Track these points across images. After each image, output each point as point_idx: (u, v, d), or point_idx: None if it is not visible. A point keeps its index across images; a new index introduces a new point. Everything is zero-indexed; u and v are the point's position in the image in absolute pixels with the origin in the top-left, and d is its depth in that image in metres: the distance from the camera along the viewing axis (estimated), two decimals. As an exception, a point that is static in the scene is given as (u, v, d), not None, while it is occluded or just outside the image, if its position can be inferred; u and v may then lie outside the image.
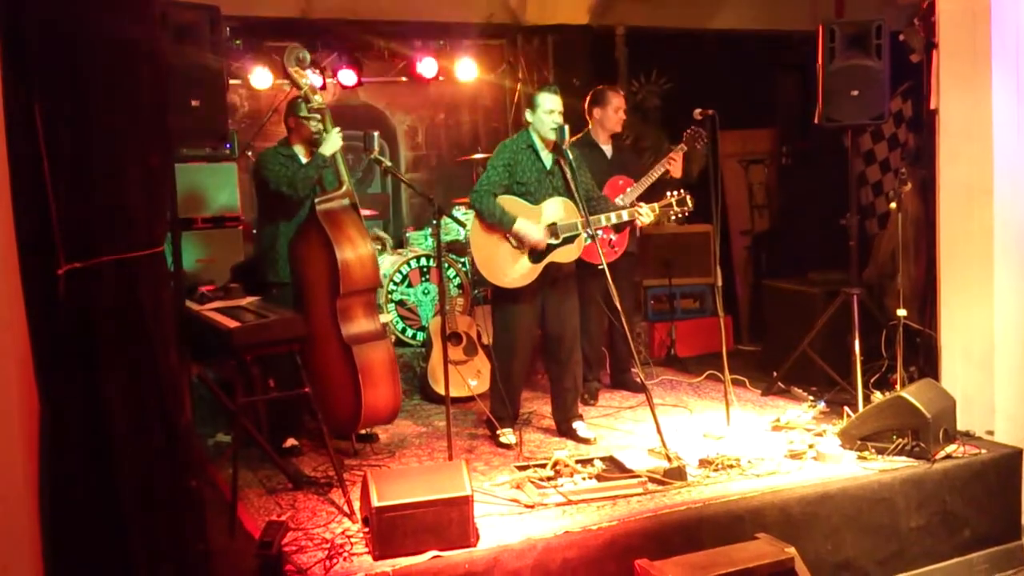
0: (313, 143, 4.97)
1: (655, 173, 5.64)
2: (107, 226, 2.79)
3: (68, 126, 2.70)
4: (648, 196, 5.65)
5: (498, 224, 4.86)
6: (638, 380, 4.85)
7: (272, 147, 5.22)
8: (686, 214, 5.10)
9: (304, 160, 5.01)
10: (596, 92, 5.83)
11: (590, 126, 5.84)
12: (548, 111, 4.87)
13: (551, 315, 5.06)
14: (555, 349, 5.12)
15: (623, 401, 5.92)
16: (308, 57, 4.86)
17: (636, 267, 6.27)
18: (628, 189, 5.65)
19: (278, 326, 4.17)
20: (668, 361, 6.91)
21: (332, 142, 4.86)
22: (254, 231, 6.26)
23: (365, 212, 7.68)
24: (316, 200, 4.75)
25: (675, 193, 5.08)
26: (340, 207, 4.79)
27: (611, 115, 5.74)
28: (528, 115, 4.99)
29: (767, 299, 6.93)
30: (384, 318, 5.79)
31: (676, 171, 5.67)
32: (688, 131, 5.64)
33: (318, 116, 4.85)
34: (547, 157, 4.97)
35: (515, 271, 4.92)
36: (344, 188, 4.84)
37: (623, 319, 4.66)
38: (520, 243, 4.89)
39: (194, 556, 3.01)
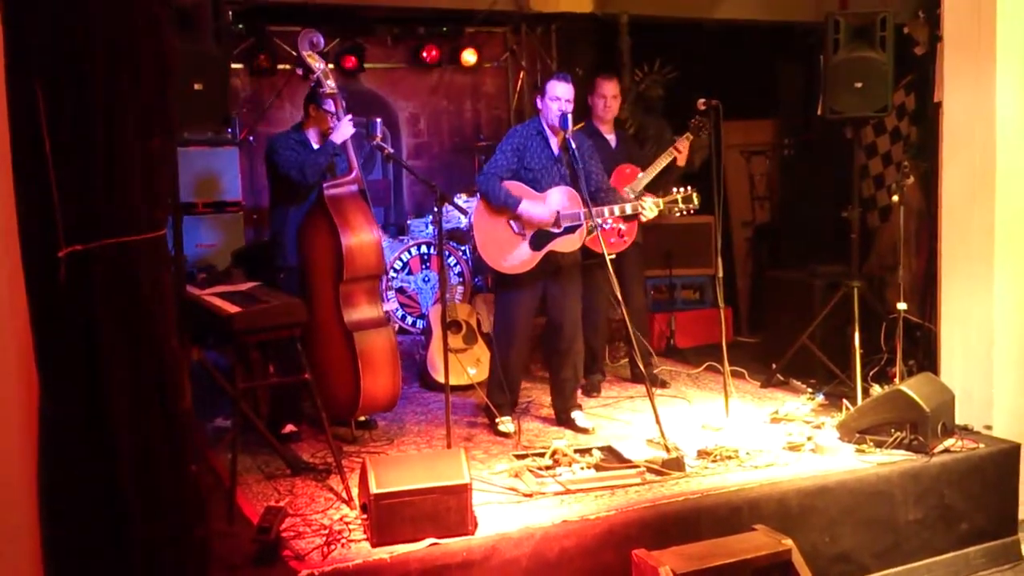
0: (325, 132, 4.96)
1: (662, 162, 5.61)
2: (108, 209, 2.77)
3: (70, 106, 2.69)
4: (653, 186, 5.65)
5: (504, 206, 4.85)
6: (639, 370, 4.85)
7: (284, 131, 5.20)
8: (691, 211, 5.09)
9: (316, 146, 4.99)
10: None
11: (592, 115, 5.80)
12: (554, 98, 4.85)
13: (552, 304, 5.06)
14: (555, 339, 5.12)
15: (622, 391, 5.93)
16: (322, 41, 4.85)
17: (644, 257, 6.25)
18: (638, 176, 5.63)
19: (278, 311, 4.17)
20: (667, 352, 6.91)
21: (344, 130, 4.85)
22: (256, 216, 6.25)
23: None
24: (325, 185, 4.75)
25: (681, 190, 5.07)
26: (348, 193, 4.79)
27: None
28: (538, 101, 4.98)
29: (767, 291, 6.93)
30: (388, 306, 5.80)
31: (681, 160, 5.65)
32: (693, 120, 5.61)
33: (331, 103, 4.85)
34: (556, 145, 4.97)
35: (514, 256, 4.91)
36: (354, 174, 4.83)
37: (625, 310, 4.65)
38: (525, 225, 4.88)
39: (193, 541, 3.01)
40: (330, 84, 4.85)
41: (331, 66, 7.35)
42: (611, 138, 5.78)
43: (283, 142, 5.00)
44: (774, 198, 8.33)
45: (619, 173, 5.65)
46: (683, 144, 5.61)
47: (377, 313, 4.86)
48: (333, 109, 4.86)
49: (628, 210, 4.98)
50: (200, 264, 5.72)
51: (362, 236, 4.72)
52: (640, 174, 5.64)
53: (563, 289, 5.05)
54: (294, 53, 7.36)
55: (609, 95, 5.64)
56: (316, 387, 4.29)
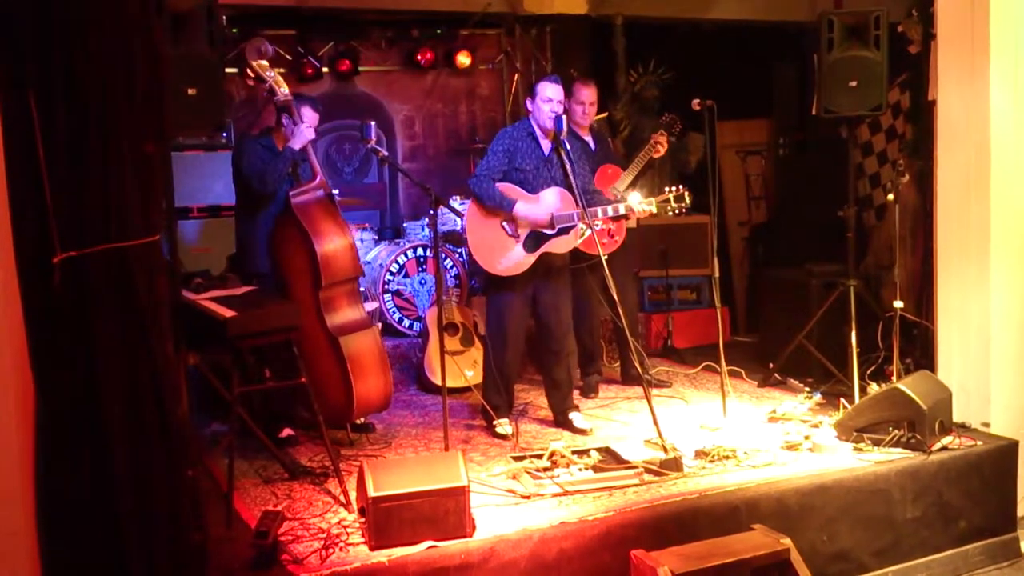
0: (286, 137, 4.95)
1: (641, 161, 5.64)
2: (102, 215, 2.78)
3: (63, 112, 2.69)
4: (635, 184, 5.65)
5: (498, 207, 4.85)
6: (635, 372, 4.85)
7: (253, 136, 5.21)
8: (684, 210, 5.09)
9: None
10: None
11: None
12: (546, 100, 4.86)
13: (543, 306, 5.06)
14: (547, 340, 5.12)
15: (620, 392, 5.92)
16: (271, 49, 4.87)
17: (635, 258, 6.26)
18: (620, 177, 5.64)
19: (274, 315, 4.17)
20: (665, 352, 6.91)
21: (301, 136, 4.85)
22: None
23: (359, 202, 7.72)
24: (291, 193, 4.74)
25: (673, 189, 5.07)
26: (315, 199, 4.78)
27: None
28: (528, 103, 4.98)
29: (764, 290, 6.93)
30: (370, 306, 5.77)
31: (660, 152, 5.67)
32: (664, 117, 5.66)
33: (286, 109, 4.85)
34: (546, 146, 4.96)
35: (508, 259, 4.91)
36: (318, 179, 4.82)
37: (620, 311, 4.65)
38: (520, 226, 4.87)
39: (190, 546, 3.00)
40: (283, 91, 4.83)
41: (327, 68, 7.40)
42: (589, 140, 5.77)
43: (250, 147, 5.00)
44: (770, 198, 8.34)
45: (601, 174, 5.65)
46: (661, 140, 5.61)
47: (359, 315, 4.86)
48: (286, 121, 4.87)
49: (621, 210, 4.98)
50: (196, 269, 5.69)
51: (335, 241, 4.72)
52: (622, 174, 5.65)
53: (553, 290, 5.05)
54: (288, 57, 7.39)
55: (587, 101, 5.61)
56: (313, 391, 4.29)
